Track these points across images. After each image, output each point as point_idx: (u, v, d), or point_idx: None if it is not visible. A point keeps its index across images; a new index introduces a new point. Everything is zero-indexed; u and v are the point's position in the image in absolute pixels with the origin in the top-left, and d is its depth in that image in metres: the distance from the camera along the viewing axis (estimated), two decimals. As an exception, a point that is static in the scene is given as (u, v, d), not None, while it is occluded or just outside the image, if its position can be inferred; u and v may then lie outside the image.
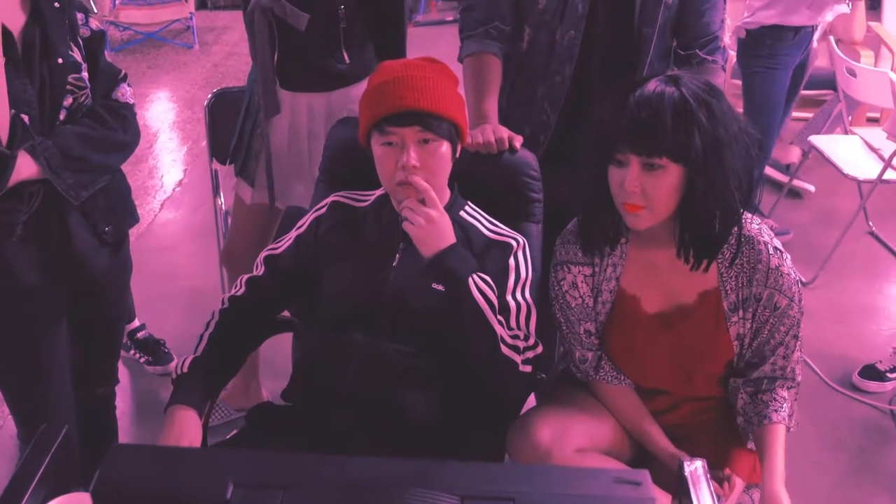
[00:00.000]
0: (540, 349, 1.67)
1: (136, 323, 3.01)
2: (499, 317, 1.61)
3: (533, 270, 1.74)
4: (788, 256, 1.65)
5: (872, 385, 2.94)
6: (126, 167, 1.84)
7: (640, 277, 1.67)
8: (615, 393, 1.73)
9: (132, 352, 2.95)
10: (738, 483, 1.64)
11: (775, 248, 1.62)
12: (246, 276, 1.81)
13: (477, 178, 1.85)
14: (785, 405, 1.68)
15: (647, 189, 1.51)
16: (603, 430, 1.70)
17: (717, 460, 1.67)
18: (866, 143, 3.75)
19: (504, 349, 1.60)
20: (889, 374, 2.94)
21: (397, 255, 1.72)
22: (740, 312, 1.64)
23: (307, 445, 1.65)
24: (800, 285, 1.66)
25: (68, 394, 1.84)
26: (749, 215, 1.63)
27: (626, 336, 1.70)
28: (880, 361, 2.98)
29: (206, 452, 0.66)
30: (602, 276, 1.69)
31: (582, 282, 1.69)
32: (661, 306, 1.67)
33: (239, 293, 1.78)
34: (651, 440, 1.69)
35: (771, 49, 3.64)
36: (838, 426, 2.79)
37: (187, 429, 1.58)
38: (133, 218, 1.89)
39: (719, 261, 1.62)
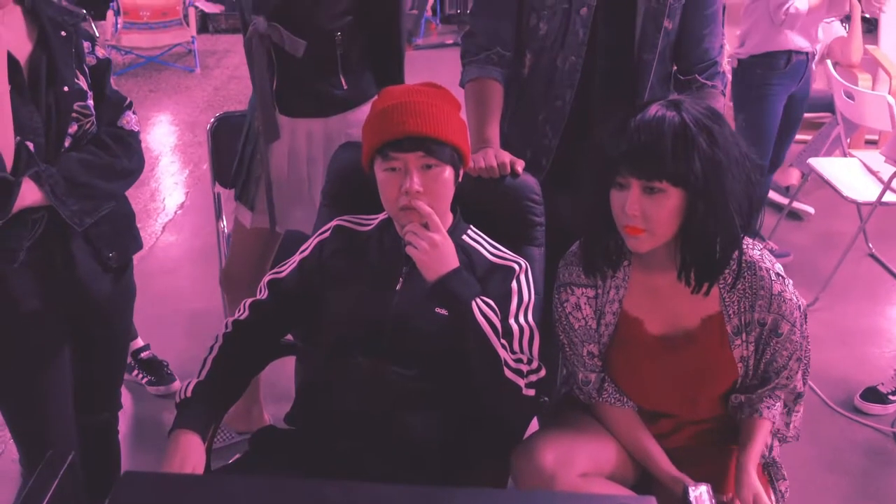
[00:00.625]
0: (543, 372, 1.67)
1: (140, 343, 3.01)
2: (502, 340, 1.61)
3: (535, 294, 1.75)
4: (790, 282, 1.66)
5: (874, 408, 2.94)
6: (128, 190, 1.86)
7: (642, 300, 1.68)
8: (618, 415, 1.73)
9: (135, 373, 2.95)
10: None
11: (777, 275, 1.63)
12: (249, 300, 1.81)
13: (479, 202, 1.85)
14: (777, 404, 1.70)
15: (648, 212, 1.53)
16: (606, 453, 1.70)
17: (720, 483, 1.67)
18: (865, 165, 3.77)
19: (507, 373, 1.60)
20: (891, 397, 2.94)
21: (400, 280, 1.73)
22: (743, 335, 1.64)
23: (311, 469, 1.65)
24: (802, 310, 1.66)
25: (70, 419, 1.84)
26: (750, 241, 1.64)
27: (630, 358, 1.70)
28: (882, 384, 2.98)
29: (214, 479, 0.65)
30: (605, 299, 1.69)
31: (585, 304, 1.70)
32: (664, 329, 1.68)
33: (242, 317, 1.79)
34: (654, 463, 1.69)
35: (762, 78, 3.64)
36: (840, 449, 2.78)
37: (191, 453, 1.58)
38: (137, 243, 1.89)
39: (721, 285, 1.63)
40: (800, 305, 1.66)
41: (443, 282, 1.61)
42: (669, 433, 1.75)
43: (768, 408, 1.69)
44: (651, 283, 1.67)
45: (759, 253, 1.64)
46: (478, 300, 1.60)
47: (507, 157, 1.93)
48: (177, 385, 2.93)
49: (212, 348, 1.75)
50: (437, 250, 1.61)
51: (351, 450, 1.68)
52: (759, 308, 1.62)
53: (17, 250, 1.60)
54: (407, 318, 1.70)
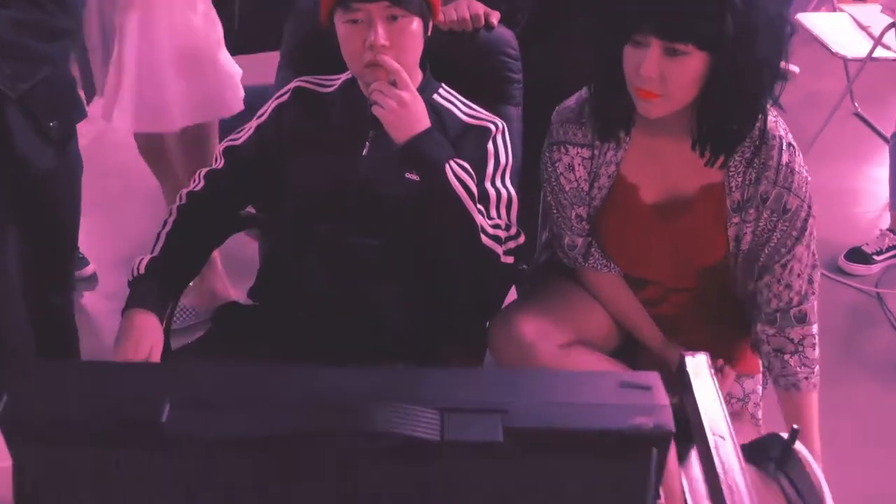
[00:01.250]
0: (522, 239, 1.57)
1: None
2: (478, 206, 1.50)
3: (514, 157, 1.63)
4: (801, 154, 1.53)
5: (859, 268, 2.89)
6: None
7: (641, 165, 1.55)
8: (604, 280, 1.64)
9: None
10: (730, 374, 1.57)
11: (788, 144, 1.49)
12: (204, 170, 1.69)
13: (451, 58, 1.71)
14: (816, 367, 1.57)
15: (667, 75, 1.36)
16: (589, 320, 1.62)
17: (708, 350, 1.60)
18: (855, 20, 3.61)
19: (485, 240, 1.49)
20: (875, 257, 2.89)
21: (367, 144, 1.60)
22: (742, 214, 1.51)
23: (276, 346, 1.56)
24: (809, 185, 1.52)
25: (19, 302, 1.73)
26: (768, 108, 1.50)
27: (620, 224, 1.59)
28: (866, 244, 2.92)
29: (140, 367, 0.56)
30: (601, 160, 1.56)
31: (579, 164, 1.57)
32: (659, 197, 1.55)
33: (197, 188, 1.66)
34: (639, 329, 1.62)
35: None
36: (825, 311, 2.68)
37: (147, 333, 1.49)
38: (79, 111, 1.74)
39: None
40: (808, 181, 1.52)
41: (413, 143, 1.48)
42: (657, 301, 1.66)
43: (807, 378, 1.56)
44: (653, 147, 1.53)
45: (773, 120, 1.49)
46: (451, 163, 1.48)
47: (480, 8, 1.77)
48: (90, 269, 2.77)
49: (165, 222, 1.63)
50: (405, 109, 1.47)
51: (317, 326, 1.59)
52: (766, 180, 1.48)
53: None
54: (374, 184, 1.58)
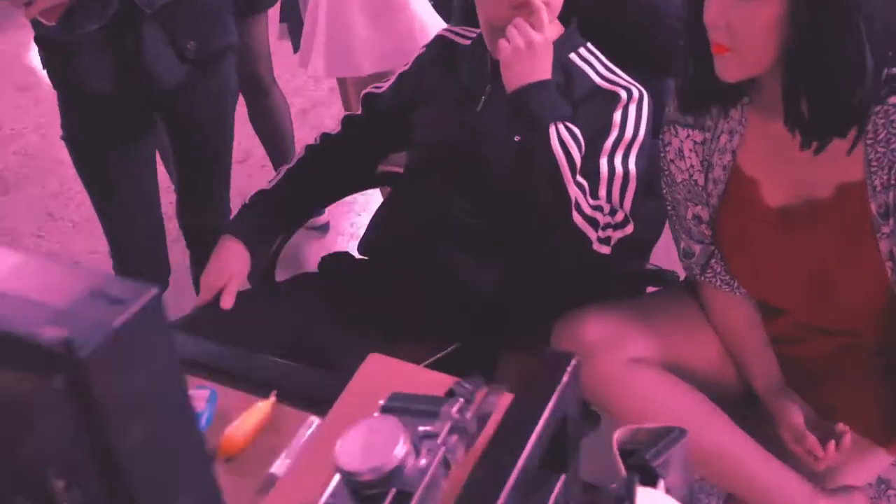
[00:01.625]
0: (629, 229, 1.32)
1: None
2: (578, 178, 1.29)
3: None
4: None
5: None
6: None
7: (761, 155, 1.21)
8: (723, 302, 1.31)
9: None
10: (853, 442, 1.19)
11: None
12: (344, 115, 1.66)
13: (606, 17, 1.49)
14: None
15: (734, 24, 1.07)
16: (693, 344, 1.31)
17: (852, 415, 1.23)
18: None
19: (577, 218, 1.28)
20: None
21: (482, 98, 1.45)
22: (892, 221, 1.12)
23: (366, 298, 1.50)
24: None
25: (157, 214, 1.83)
26: None
27: (740, 229, 1.26)
28: None
29: None
30: (714, 146, 1.24)
31: (689, 150, 1.27)
32: (786, 198, 1.21)
33: (333, 131, 1.64)
34: (749, 365, 1.27)
35: None
36: None
37: (231, 261, 1.51)
38: (221, 37, 1.74)
39: (868, 143, 1.11)
40: None
41: (522, 93, 1.29)
42: (790, 339, 1.29)
43: None
44: (771, 133, 1.18)
45: None
46: (559, 124, 1.28)
47: None
48: (322, 219, 2.69)
49: (292, 158, 1.63)
50: (530, 51, 1.28)
51: (405, 284, 1.48)
52: None
53: (79, 27, 1.54)
54: (482, 143, 1.43)
